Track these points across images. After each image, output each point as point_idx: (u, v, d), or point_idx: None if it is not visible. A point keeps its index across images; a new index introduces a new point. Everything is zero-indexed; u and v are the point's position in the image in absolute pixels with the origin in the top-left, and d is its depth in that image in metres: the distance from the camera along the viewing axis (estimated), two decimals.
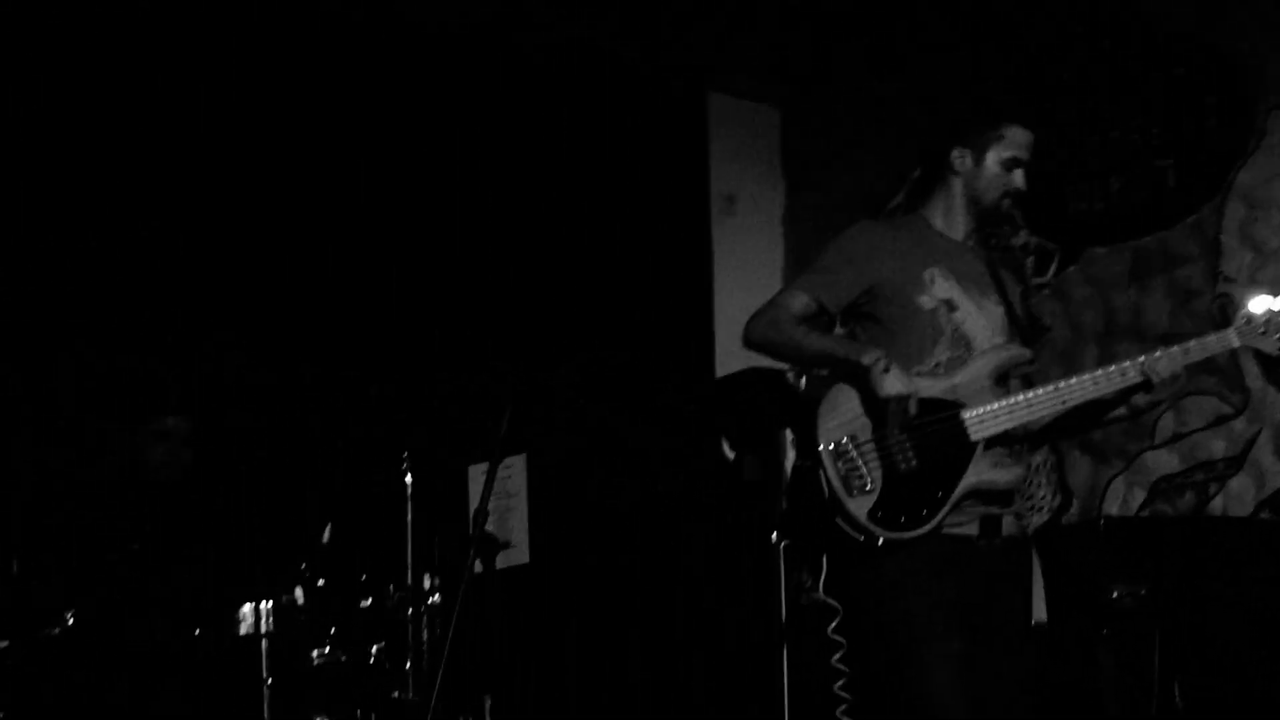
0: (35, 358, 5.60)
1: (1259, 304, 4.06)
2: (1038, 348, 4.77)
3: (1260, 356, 5.24)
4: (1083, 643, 4.58)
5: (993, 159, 4.16)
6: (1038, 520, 5.96)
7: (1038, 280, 6.09)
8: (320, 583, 4.78)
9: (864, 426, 3.87)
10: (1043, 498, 5.99)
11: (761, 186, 7.22)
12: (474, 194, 6.33)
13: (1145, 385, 3.97)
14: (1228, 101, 5.80)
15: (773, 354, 4.13)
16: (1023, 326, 4.21)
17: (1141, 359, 3.97)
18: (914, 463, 3.84)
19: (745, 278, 6.86)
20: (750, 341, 4.10)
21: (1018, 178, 4.18)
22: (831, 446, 3.85)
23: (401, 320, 6.13)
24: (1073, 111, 6.25)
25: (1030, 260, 6.10)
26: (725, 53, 6.88)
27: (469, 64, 6.30)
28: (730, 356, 5.93)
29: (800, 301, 4.05)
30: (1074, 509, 5.94)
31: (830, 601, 3.93)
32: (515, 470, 5.74)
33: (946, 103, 6.36)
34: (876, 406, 3.85)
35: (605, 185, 6.58)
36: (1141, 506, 5.72)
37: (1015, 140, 4.17)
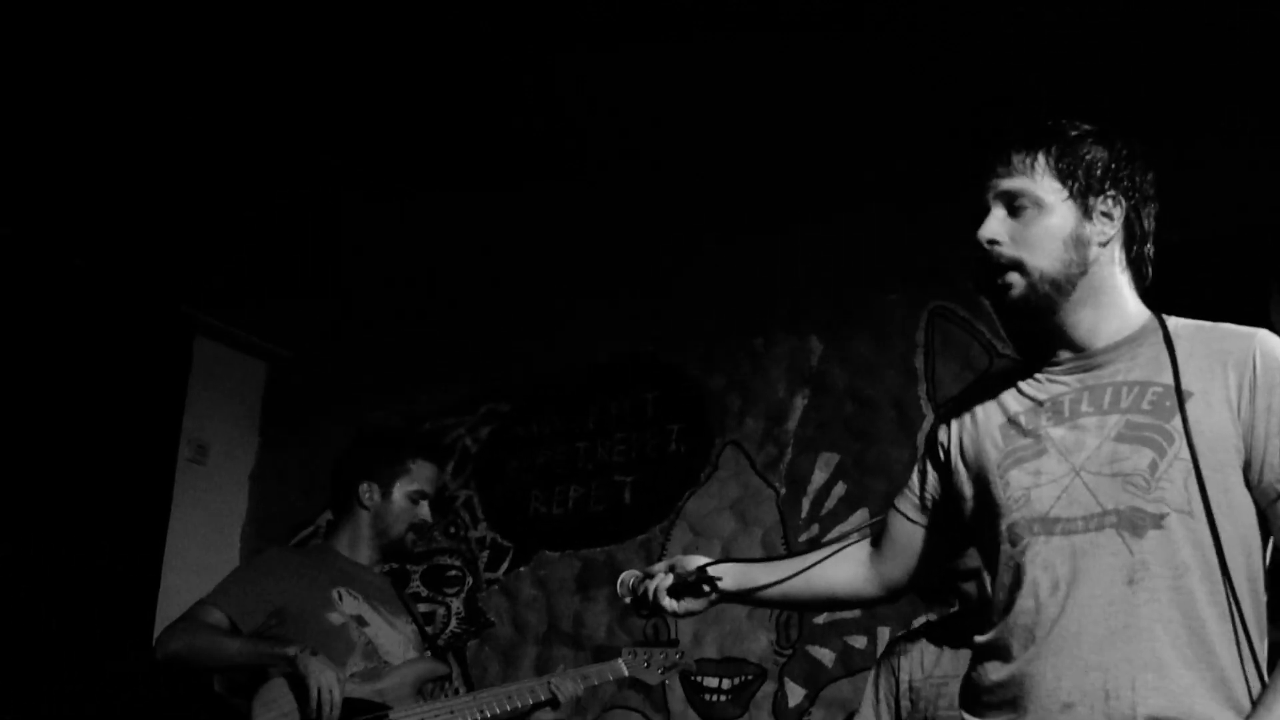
0: None
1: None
2: (468, 645, 4.83)
3: (684, 681, 5.51)
4: None
5: (399, 493, 4.33)
6: None
7: (489, 575, 6.28)
8: None
9: (297, 717, 3.89)
10: None
11: (235, 439, 7.12)
12: None
13: (553, 703, 4.18)
14: (690, 430, 6.12)
15: (193, 663, 4.08)
16: (434, 644, 4.39)
17: (549, 679, 4.20)
18: None
19: (203, 530, 6.69)
20: (167, 653, 4.01)
21: (424, 510, 4.36)
22: None
23: None
24: (547, 418, 6.47)
25: (485, 554, 6.31)
26: (215, 301, 6.80)
27: None
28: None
29: (213, 617, 4.08)
30: None
31: None
32: None
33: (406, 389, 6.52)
34: (307, 697, 3.87)
35: (68, 409, 6.27)
36: None
37: (420, 474, 4.37)
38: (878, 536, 2.87)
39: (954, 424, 2.71)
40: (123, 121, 5.22)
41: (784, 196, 5.58)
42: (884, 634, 5.25)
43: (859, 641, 5.34)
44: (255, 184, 5.67)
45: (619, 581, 2.95)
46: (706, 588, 2.83)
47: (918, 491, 2.78)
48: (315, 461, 6.86)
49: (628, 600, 2.92)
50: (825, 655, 5.41)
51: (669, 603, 2.84)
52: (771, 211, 5.68)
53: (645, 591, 2.86)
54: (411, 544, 4.38)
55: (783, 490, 5.76)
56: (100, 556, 6.15)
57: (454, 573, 6.35)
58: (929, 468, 2.77)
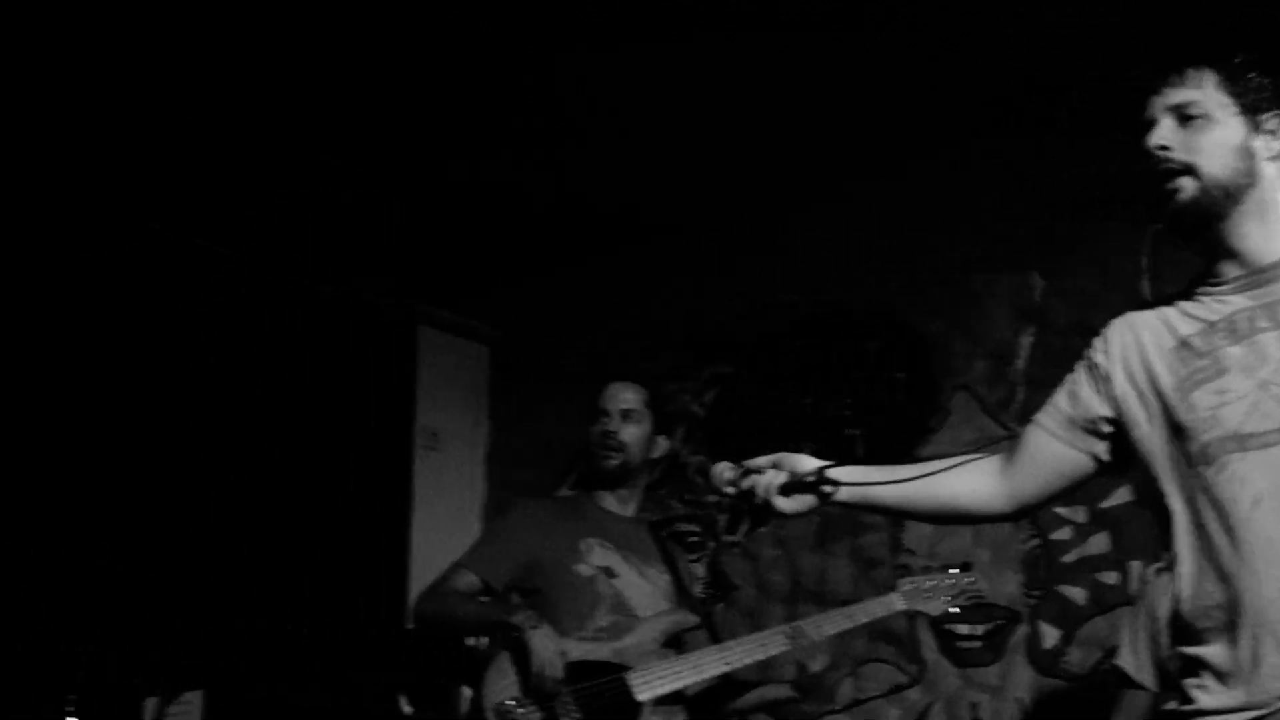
0: None
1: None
2: (715, 609, 4.89)
3: (935, 630, 5.48)
4: None
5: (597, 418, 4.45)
6: None
7: (729, 538, 6.31)
8: None
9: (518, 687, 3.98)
10: None
11: (466, 423, 7.23)
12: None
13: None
14: (917, 379, 6.07)
15: (437, 628, 4.27)
16: (689, 594, 4.38)
17: (807, 622, 4.19)
18: None
19: (444, 516, 6.82)
20: (417, 617, 4.20)
21: (601, 424, 4.40)
22: (495, 705, 3.94)
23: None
24: (770, 378, 6.47)
25: (724, 518, 6.33)
26: (437, 289, 6.93)
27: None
28: None
29: (465, 579, 4.20)
30: None
31: None
32: (192, 708, 5.53)
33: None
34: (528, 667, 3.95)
35: (306, 412, 6.45)
36: None
37: (605, 395, 4.45)
38: (1010, 451, 2.83)
39: (1116, 349, 2.70)
40: (317, 130, 5.37)
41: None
42: (1135, 568, 5.17)
43: (1110, 578, 5.26)
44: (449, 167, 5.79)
45: (714, 473, 2.90)
46: (826, 489, 2.78)
47: (1066, 410, 2.75)
48: (547, 438, 6.96)
49: (729, 491, 2.86)
50: (1077, 594, 5.34)
51: (781, 501, 2.80)
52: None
53: (753, 487, 2.81)
54: (606, 463, 4.41)
55: (1018, 431, 5.67)
56: (351, 549, 6.33)
57: (694, 539, 6.39)
58: (1083, 390, 2.73)
